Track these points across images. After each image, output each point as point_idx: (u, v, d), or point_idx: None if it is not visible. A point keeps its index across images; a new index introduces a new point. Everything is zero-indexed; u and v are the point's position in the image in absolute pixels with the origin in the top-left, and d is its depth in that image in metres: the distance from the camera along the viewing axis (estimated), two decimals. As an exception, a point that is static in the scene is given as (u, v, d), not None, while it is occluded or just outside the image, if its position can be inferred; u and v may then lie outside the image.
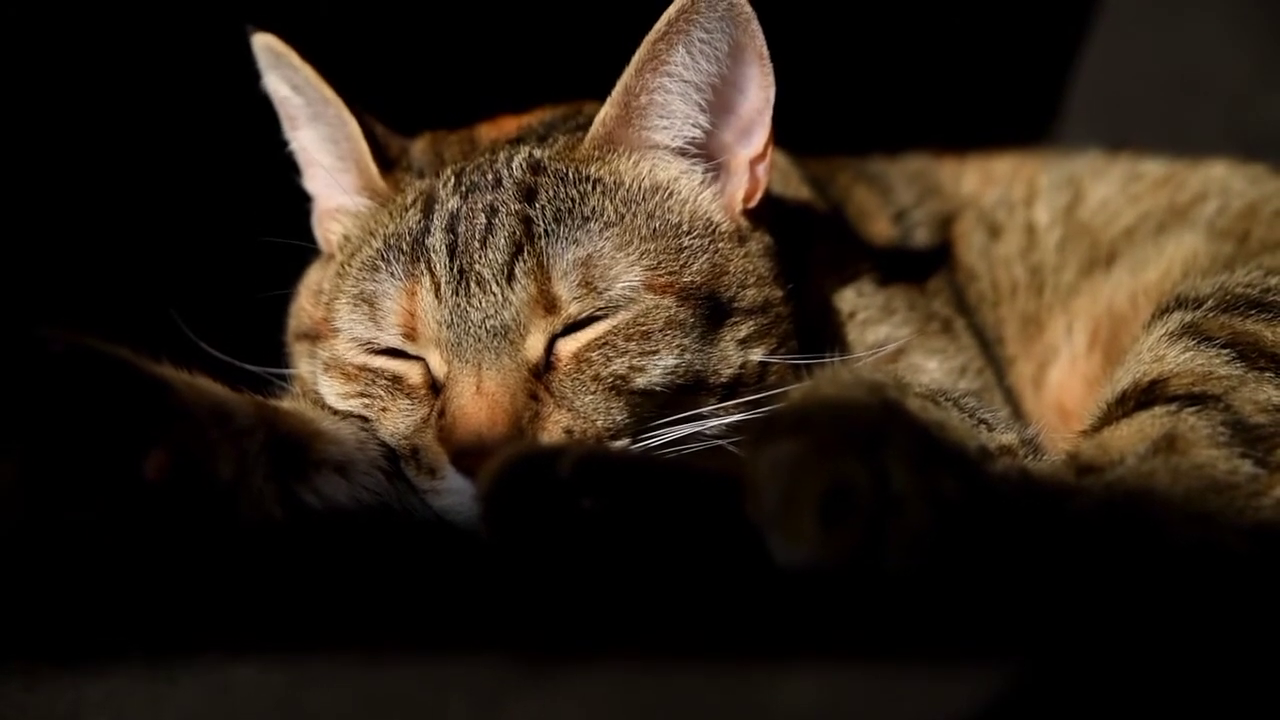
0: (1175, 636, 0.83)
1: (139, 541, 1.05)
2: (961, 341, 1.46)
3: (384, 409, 1.23)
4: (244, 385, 1.21)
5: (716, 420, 1.21)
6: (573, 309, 1.19)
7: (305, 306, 1.34)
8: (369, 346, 1.24)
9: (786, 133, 1.31)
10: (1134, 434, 1.06)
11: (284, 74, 1.32)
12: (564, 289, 1.18)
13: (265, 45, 1.32)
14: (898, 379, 1.12)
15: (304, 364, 1.32)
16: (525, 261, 1.18)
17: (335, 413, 1.26)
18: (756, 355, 1.24)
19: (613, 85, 1.26)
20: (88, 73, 1.73)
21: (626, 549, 0.97)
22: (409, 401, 1.22)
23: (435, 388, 1.21)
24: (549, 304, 1.18)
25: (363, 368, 1.25)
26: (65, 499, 1.03)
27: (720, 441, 1.19)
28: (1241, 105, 2.17)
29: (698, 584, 0.93)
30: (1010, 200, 1.61)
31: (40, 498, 1.02)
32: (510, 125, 1.39)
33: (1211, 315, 1.18)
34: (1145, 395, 1.10)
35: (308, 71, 1.30)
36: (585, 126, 1.29)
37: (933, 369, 1.41)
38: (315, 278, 1.36)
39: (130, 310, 1.27)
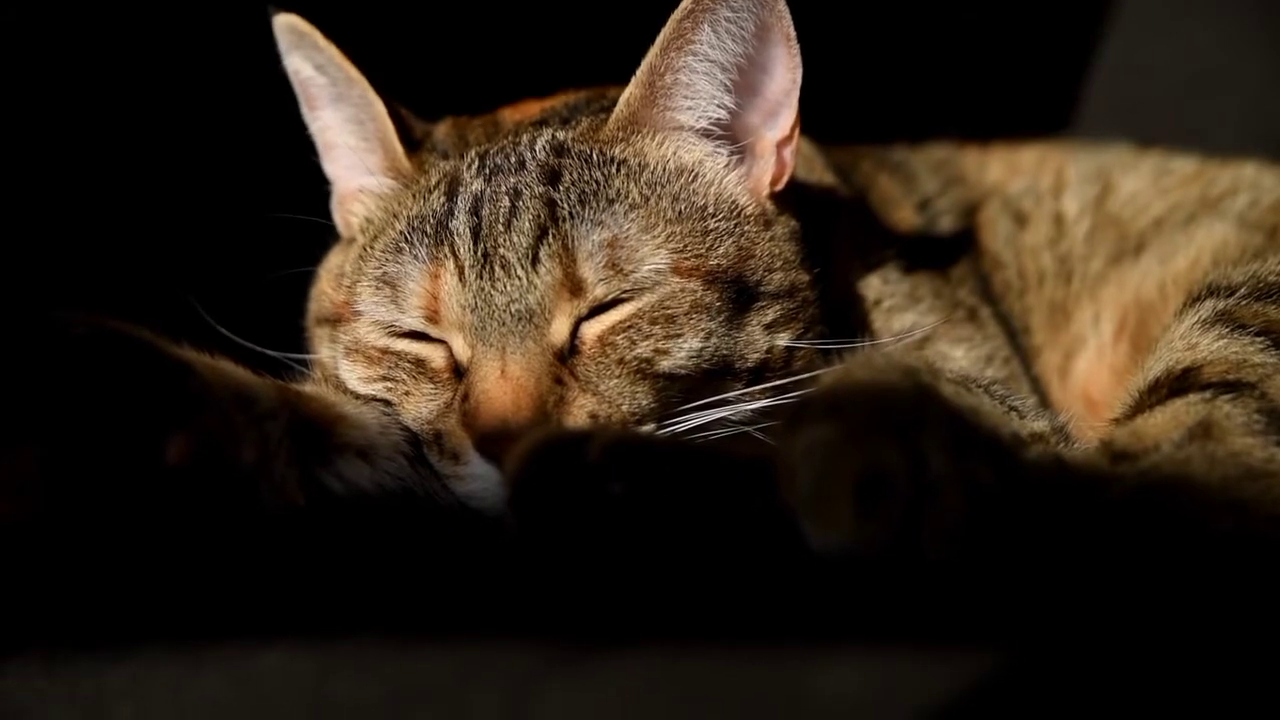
0: (1212, 624, 0.81)
1: (160, 527, 1.04)
2: (987, 330, 1.44)
3: (407, 393, 1.22)
4: (263, 370, 1.20)
5: (742, 405, 1.19)
6: (599, 291, 1.17)
7: (326, 290, 1.32)
8: (391, 330, 1.23)
9: (808, 122, 1.29)
10: (1168, 421, 1.04)
11: (307, 54, 1.31)
12: (589, 271, 1.17)
13: (288, 25, 1.31)
14: (930, 364, 1.11)
15: (325, 348, 1.30)
16: (550, 244, 1.17)
17: (357, 397, 1.25)
18: (783, 340, 1.23)
19: (635, 72, 1.24)
20: (99, 55, 1.72)
21: (657, 534, 0.96)
22: (432, 385, 1.21)
23: (459, 372, 1.20)
24: (574, 287, 1.17)
25: (385, 351, 1.23)
26: (86, 484, 1.02)
27: (746, 427, 1.18)
28: (1257, 106, 2.16)
29: (731, 569, 0.92)
30: (1037, 190, 1.59)
31: (61, 483, 1.01)
32: (533, 108, 1.37)
33: (1244, 303, 1.16)
34: (1179, 383, 1.09)
35: (332, 51, 1.29)
36: (609, 109, 1.28)
37: (959, 357, 1.39)
38: (336, 261, 1.34)
39: (148, 295, 1.25)
